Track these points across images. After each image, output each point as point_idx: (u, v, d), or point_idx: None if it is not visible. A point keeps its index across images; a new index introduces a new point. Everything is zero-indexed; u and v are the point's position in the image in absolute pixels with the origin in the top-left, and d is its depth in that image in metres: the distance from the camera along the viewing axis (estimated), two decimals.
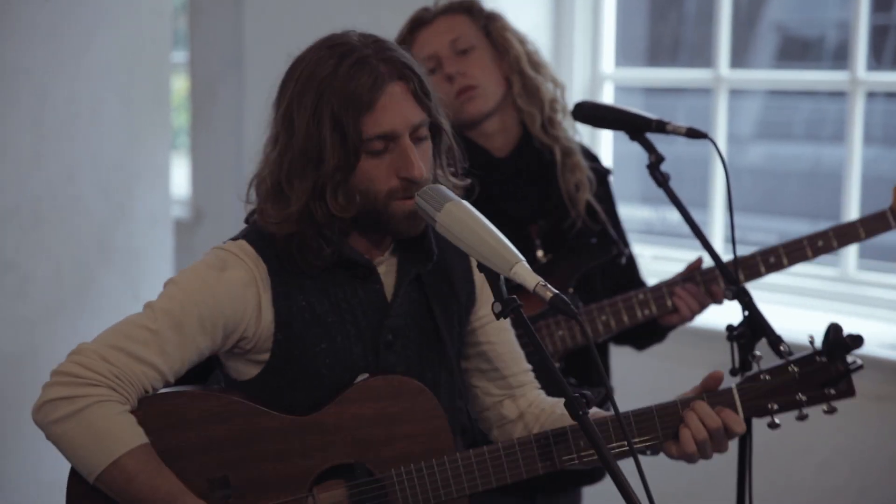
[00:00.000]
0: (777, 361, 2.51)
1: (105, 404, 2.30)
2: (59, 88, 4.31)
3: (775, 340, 2.85)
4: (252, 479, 2.41)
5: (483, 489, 2.46)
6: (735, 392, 2.46)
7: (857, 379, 2.48)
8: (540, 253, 3.34)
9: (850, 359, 2.48)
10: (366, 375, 2.47)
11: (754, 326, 2.86)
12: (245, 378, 2.48)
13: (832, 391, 2.44)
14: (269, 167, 2.44)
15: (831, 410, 2.46)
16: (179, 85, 7.00)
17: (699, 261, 3.33)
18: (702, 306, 3.29)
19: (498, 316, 2.23)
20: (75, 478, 2.36)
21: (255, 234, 2.46)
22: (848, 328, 2.50)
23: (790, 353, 2.51)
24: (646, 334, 3.45)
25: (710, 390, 2.48)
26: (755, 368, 2.50)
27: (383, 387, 2.45)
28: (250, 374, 2.47)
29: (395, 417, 2.44)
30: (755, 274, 3.25)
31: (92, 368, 2.30)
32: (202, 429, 2.39)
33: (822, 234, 3.22)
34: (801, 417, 2.48)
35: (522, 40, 3.42)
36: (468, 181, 2.57)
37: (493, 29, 3.38)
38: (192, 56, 6.53)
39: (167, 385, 2.39)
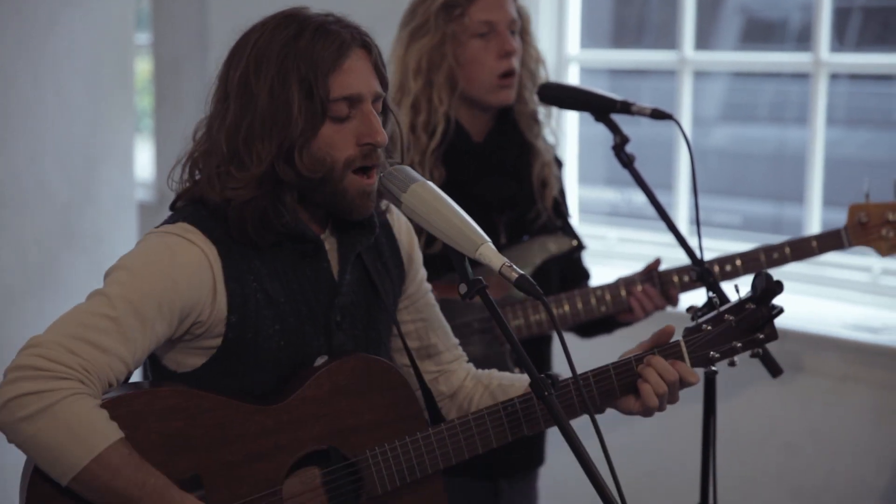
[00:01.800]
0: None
1: (79, 397, 2.15)
2: (23, 71, 4.28)
3: None
4: (224, 475, 2.30)
5: (456, 461, 2.45)
6: (683, 344, 2.49)
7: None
8: (503, 240, 3.34)
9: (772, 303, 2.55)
10: (324, 358, 2.44)
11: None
12: (186, 369, 2.39)
13: (761, 336, 2.51)
14: (222, 135, 2.35)
15: (756, 355, 2.54)
16: (143, 67, 6.96)
17: (657, 262, 3.34)
18: (656, 308, 3.32)
19: (463, 297, 2.22)
20: (37, 483, 2.20)
21: (194, 215, 2.37)
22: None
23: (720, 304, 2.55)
24: (595, 326, 3.46)
25: (660, 345, 2.50)
26: (693, 320, 2.55)
27: (349, 369, 2.42)
28: (194, 364, 2.38)
29: (365, 397, 2.42)
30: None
31: (59, 361, 2.15)
32: (165, 428, 2.26)
33: (778, 247, 3.27)
34: (732, 364, 2.54)
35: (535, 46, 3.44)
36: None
37: (523, 23, 3.39)
38: (156, 38, 6.48)
39: (128, 376, 2.27)
